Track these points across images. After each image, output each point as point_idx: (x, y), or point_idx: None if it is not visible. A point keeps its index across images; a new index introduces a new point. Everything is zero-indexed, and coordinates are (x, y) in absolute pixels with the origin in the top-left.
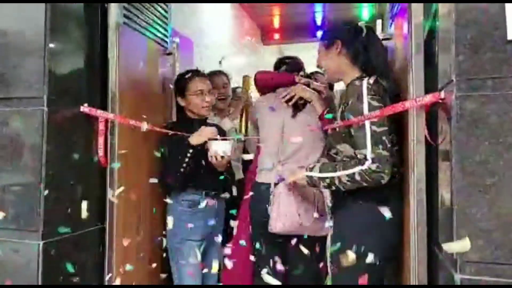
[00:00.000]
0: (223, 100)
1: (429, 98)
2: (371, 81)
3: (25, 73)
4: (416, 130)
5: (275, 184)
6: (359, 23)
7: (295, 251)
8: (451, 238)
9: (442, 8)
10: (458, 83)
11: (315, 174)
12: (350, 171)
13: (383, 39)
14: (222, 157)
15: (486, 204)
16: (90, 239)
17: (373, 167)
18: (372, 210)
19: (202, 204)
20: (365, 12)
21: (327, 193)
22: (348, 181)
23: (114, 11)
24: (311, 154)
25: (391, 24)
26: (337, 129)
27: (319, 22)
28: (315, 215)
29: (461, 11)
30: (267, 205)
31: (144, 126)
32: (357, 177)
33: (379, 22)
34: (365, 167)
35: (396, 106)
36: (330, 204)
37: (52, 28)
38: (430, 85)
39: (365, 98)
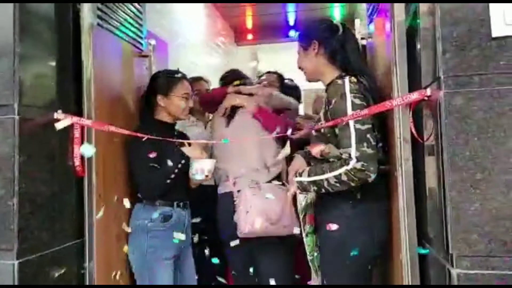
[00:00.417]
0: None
1: (415, 96)
2: (353, 79)
3: None
4: (403, 128)
5: (238, 191)
6: (335, 21)
7: (265, 253)
8: (441, 233)
9: (423, 6)
10: (445, 80)
11: (304, 178)
12: (336, 172)
13: (361, 38)
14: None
15: (477, 199)
16: (68, 254)
17: (358, 165)
18: (363, 209)
19: (174, 218)
20: (336, 12)
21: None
22: (336, 182)
23: (87, 11)
24: (259, 154)
25: (369, 23)
26: (322, 129)
27: (292, 22)
28: (283, 217)
29: (446, 9)
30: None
31: (125, 131)
32: (344, 178)
33: (357, 21)
34: (350, 166)
35: (383, 104)
36: (303, 203)
37: (22, 29)
38: (413, 83)
39: (348, 97)
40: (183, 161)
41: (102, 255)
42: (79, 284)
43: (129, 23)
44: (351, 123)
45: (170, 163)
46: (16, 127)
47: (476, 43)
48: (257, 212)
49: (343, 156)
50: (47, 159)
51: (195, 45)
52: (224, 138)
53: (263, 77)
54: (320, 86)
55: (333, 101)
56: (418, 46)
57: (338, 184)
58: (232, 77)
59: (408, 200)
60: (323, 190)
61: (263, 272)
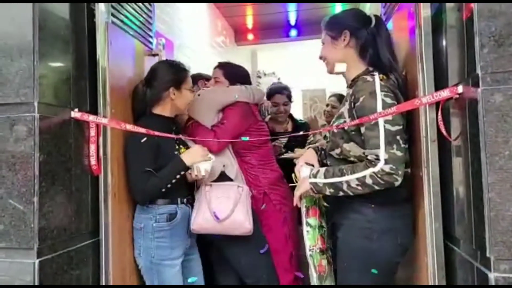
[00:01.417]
0: None
1: (446, 94)
2: (383, 76)
3: (12, 77)
4: (429, 127)
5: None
6: (369, 13)
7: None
8: (473, 235)
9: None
10: (484, 77)
11: (320, 180)
12: (360, 174)
13: None
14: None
15: None
16: (85, 254)
17: (387, 168)
18: (386, 213)
19: (180, 215)
20: (338, 11)
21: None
22: (358, 185)
23: (103, 10)
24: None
25: (385, 20)
26: (346, 127)
27: (292, 22)
28: (232, 217)
29: (483, 3)
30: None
31: (142, 130)
32: (368, 180)
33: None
34: (377, 169)
35: (412, 102)
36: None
37: (40, 28)
38: (438, 80)
39: (379, 95)
40: (182, 172)
41: (117, 254)
42: (96, 283)
43: (140, 22)
44: (381, 123)
45: (167, 172)
46: (36, 125)
47: None
48: (204, 210)
49: (369, 157)
50: (65, 157)
51: (196, 44)
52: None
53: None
54: (315, 86)
55: (362, 98)
56: (444, 43)
57: (360, 187)
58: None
59: (435, 202)
60: (341, 193)
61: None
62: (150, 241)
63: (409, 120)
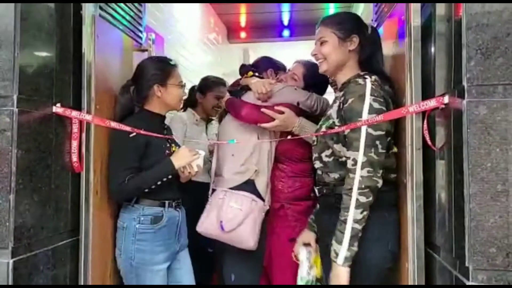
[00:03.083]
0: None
1: (432, 103)
2: (375, 80)
3: None
4: (415, 135)
5: (213, 190)
6: (368, 22)
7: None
8: (453, 244)
9: (439, 11)
10: (469, 89)
11: (343, 252)
12: (353, 204)
13: None
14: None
15: (497, 211)
16: (64, 253)
17: (364, 173)
18: (377, 220)
19: (165, 219)
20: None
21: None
22: (361, 213)
23: (90, 3)
24: (242, 150)
25: (377, 25)
26: (335, 127)
27: (285, 22)
28: (239, 230)
29: (472, 15)
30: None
31: (127, 128)
32: (362, 199)
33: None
34: (356, 181)
35: (399, 110)
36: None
37: (22, 18)
38: (425, 88)
39: (367, 99)
40: (170, 176)
41: (97, 253)
42: (74, 283)
43: (130, 15)
44: (364, 126)
45: (153, 173)
46: (15, 119)
47: (502, 51)
48: (213, 215)
49: (348, 165)
50: (44, 154)
51: (188, 40)
52: (220, 133)
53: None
54: None
55: (350, 100)
56: (432, 52)
57: (365, 212)
58: (247, 69)
59: (418, 210)
60: (360, 234)
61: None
62: (131, 243)
63: (396, 127)
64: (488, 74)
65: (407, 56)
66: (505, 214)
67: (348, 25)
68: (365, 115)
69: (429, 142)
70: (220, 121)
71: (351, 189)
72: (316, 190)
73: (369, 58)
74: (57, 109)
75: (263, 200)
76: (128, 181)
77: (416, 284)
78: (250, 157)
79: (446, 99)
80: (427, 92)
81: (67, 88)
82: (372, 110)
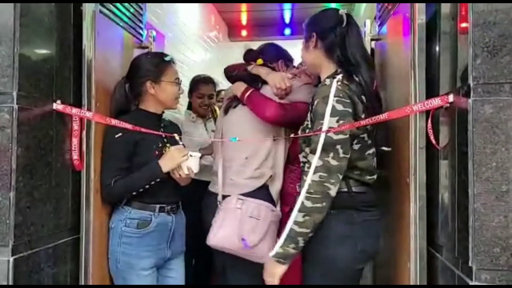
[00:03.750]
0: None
1: (437, 102)
2: (343, 80)
3: None
4: (419, 134)
5: (224, 196)
6: (340, 11)
7: (232, 269)
8: (456, 243)
9: (444, 9)
10: (475, 87)
11: (277, 246)
12: (297, 206)
13: (371, 40)
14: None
15: (502, 211)
16: (64, 251)
17: (316, 177)
18: (345, 219)
19: (154, 224)
20: None
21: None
22: (304, 216)
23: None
24: (246, 148)
25: (380, 24)
26: (307, 130)
27: (287, 20)
28: (261, 244)
29: (479, 13)
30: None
31: (128, 126)
32: (307, 204)
33: (367, 21)
34: (306, 185)
35: (403, 109)
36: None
37: (22, 14)
38: (429, 87)
39: (330, 100)
40: (157, 180)
41: (98, 252)
42: (75, 282)
43: (130, 12)
44: (324, 129)
45: (140, 175)
46: (15, 116)
47: (509, 49)
48: (231, 229)
49: (305, 167)
50: (45, 151)
51: (189, 38)
52: (224, 127)
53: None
54: None
55: (316, 102)
56: (437, 50)
57: (307, 216)
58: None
59: (421, 209)
60: (301, 240)
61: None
62: (117, 245)
63: (395, 127)
64: (494, 72)
65: (411, 54)
66: (510, 214)
67: (308, 25)
68: (327, 118)
69: (433, 141)
70: (226, 112)
71: (300, 191)
72: (297, 187)
73: (340, 51)
74: (58, 106)
75: (275, 205)
76: (115, 183)
77: (418, 283)
78: (266, 161)
79: (451, 97)
80: (431, 90)
81: (68, 85)
82: (335, 113)
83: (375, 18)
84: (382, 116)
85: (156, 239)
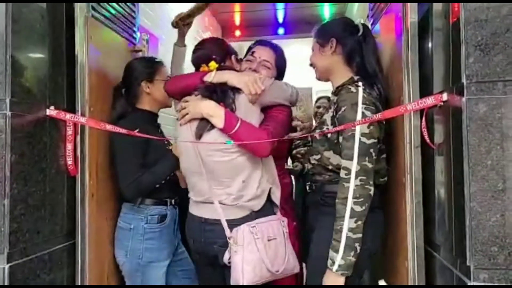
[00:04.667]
0: None
1: (431, 101)
2: (367, 88)
3: None
4: (413, 133)
5: (231, 225)
6: (356, 21)
7: None
8: (453, 243)
9: (436, 7)
10: (468, 86)
11: (338, 259)
12: (347, 213)
13: None
14: None
15: (498, 210)
16: (60, 257)
17: (358, 182)
18: None
19: (169, 217)
20: (326, 11)
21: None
22: (356, 222)
23: (83, 3)
24: (242, 171)
25: (373, 23)
26: (329, 134)
27: (280, 20)
28: (285, 264)
29: (470, 11)
30: (202, 240)
31: (123, 131)
32: (357, 209)
33: (359, 21)
34: (350, 191)
35: (397, 109)
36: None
37: (14, 20)
38: (423, 86)
39: (359, 108)
40: (174, 170)
41: (94, 257)
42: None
43: (123, 15)
44: (357, 135)
45: (163, 168)
46: (8, 123)
47: (501, 47)
48: (254, 265)
49: (341, 174)
50: (39, 157)
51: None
52: (197, 153)
53: (254, 51)
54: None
55: (343, 108)
56: (430, 49)
57: (359, 222)
58: (202, 56)
59: (417, 208)
60: (357, 245)
61: None
62: (139, 243)
63: (391, 126)
64: (487, 70)
65: (404, 53)
66: (506, 212)
67: (326, 30)
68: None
69: (428, 140)
70: (199, 137)
71: (345, 198)
72: (307, 187)
73: (359, 59)
74: (51, 112)
75: (277, 208)
76: (141, 177)
77: (416, 283)
78: (262, 178)
79: (445, 96)
80: (425, 89)
81: (61, 90)
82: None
83: (367, 17)
84: (377, 116)
85: (171, 230)
